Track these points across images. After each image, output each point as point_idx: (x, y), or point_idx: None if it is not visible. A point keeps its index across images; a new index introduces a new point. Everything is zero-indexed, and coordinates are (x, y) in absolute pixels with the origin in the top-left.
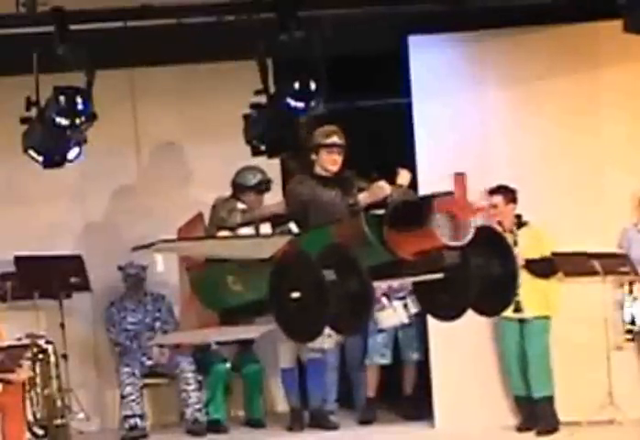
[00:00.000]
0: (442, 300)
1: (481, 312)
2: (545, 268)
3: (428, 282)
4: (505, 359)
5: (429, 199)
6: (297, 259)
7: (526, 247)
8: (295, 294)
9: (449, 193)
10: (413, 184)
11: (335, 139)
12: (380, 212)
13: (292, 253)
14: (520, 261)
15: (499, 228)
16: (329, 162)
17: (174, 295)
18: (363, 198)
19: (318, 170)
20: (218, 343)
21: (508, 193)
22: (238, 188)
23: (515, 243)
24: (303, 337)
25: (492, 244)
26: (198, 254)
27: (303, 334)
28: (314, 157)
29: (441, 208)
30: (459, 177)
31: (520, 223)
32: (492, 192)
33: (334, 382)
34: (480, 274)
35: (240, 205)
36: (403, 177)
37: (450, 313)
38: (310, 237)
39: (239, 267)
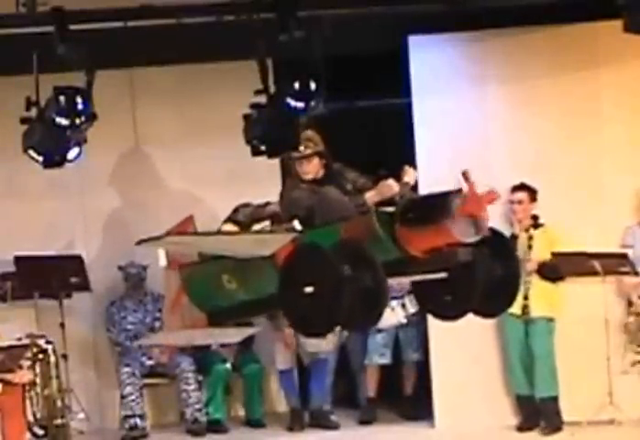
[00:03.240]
0: (444, 300)
1: (480, 314)
2: (555, 271)
3: (430, 282)
4: (508, 358)
5: (443, 196)
6: (311, 254)
7: (539, 248)
8: (309, 289)
9: (459, 191)
10: (414, 184)
11: (301, 150)
12: (390, 209)
13: (305, 247)
14: (533, 265)
15: (516, 227)
16: (301, 173)
17: None
18: (370, 197)
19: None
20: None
21: (531, 192)
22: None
23: (530, 247)
24: (316, 333)
25: (496, 245)
26: (201, 249)
27: (315, 329)
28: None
29: (462, 212)
30: (465, 173)
31: (536, 224)
32: (516, 188)
33: (330, 384)
34: (484, 276)
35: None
36: (410, 174)
37: (451, 312)
38: (316, 235)
39: (236, 264)
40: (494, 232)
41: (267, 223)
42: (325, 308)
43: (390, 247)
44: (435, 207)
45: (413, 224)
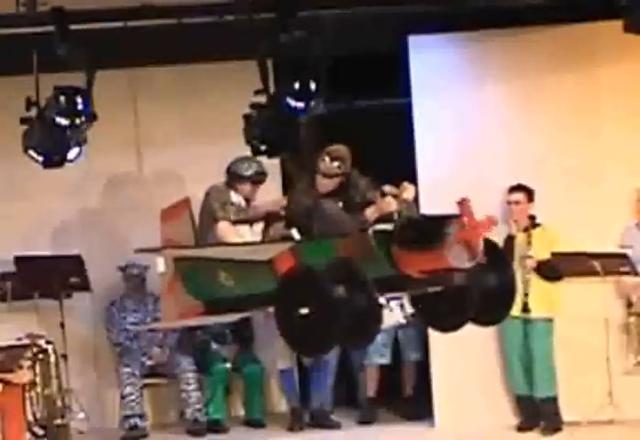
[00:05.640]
0: (441, 312)
1: (478, 323)
2: (554, 271)
3: (427, 295)
4: (508, 358)
5: (441, 221)
6: (305, 276)
7: (538, 248)
8: (304, 310)
9: (458, 216)
10: (414, 184)
11: (332, 168)
12: (386, 226)
13: (299, 269)
14: (532, 263)
15: (513, 227)
16: (321, 186)
17: None
18: (370, 213)
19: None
20: (217, 342)
21: (528, 192)
22: (233, 177)
23: (529, 243)
24: (313, 353)
25: (490, 256)
26: (199, 256)
27: (312, 349)
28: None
29: (459, 239)
30: (463, 203)
31: (534, 224)
32: (513, 189)
33: (331, 384)
34: (480, 287)
35: (234, 197)
36: (409, 192)
37: (449, 324)
38: (313, 248)
39: (233, 263)
40: (488, 242)
41: (255, 227)
42: (320, 329)
43: (385, 266)
44: (433, 232)
45: (409, 246)
